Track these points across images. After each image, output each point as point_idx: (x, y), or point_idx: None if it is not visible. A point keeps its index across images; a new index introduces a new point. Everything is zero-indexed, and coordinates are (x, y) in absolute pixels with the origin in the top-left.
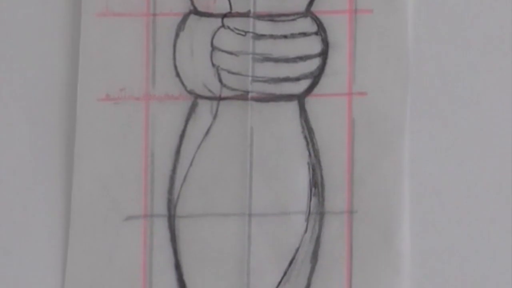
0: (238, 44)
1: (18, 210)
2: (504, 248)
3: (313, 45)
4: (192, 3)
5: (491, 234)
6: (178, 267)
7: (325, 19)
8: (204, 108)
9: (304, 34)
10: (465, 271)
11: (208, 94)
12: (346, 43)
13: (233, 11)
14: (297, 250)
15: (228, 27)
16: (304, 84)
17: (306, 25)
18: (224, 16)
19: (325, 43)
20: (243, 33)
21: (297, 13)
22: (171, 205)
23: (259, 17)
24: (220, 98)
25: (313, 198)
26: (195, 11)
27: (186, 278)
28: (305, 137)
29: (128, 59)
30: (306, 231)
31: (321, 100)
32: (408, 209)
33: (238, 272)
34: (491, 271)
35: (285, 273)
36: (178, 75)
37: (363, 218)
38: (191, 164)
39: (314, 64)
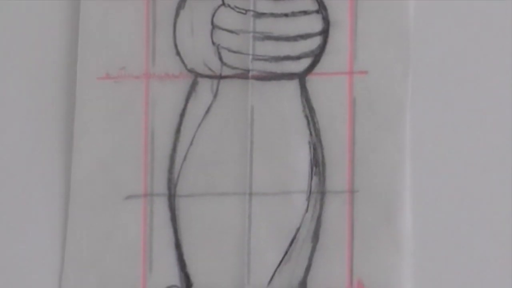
0: (238, 23)
1: (18, 190)
2: (506, 228)
3: (314, 24)
4: None
5: (493, 213)
6: (178, 246)
7: None
8: (205, 87)
9: (305, 13)
10: (467, 250)
11: (209, 72)
12: (347, 21)
13: None
14: (298, 229)
15: (229, 5)
16: (305, 63)
17: (307, 3)
18: None
19: (326, 21)
20: (243, 11)
21: None
22: (171, 184)
23: None
24: (220, 77)
25: (314, 177)
26: None
27: (186, 257)
28: (306, 116)
29: (128, 38)
30: (307, 210)
31: (322, 78)
32: (409, 188)
33: (239, 251)
34: (493, 250)
35: (286, 253)
36: (178, 53)
37: (365, 197)
38: (191, 143)
39: (315, 42)
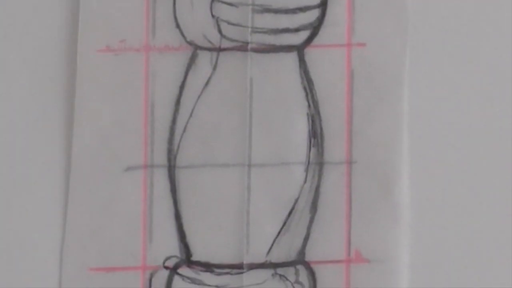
0: None
1: (18, 162)
2: (504, 198)
3: None
4: None
5: (492, 185)
6: (178, 217)
7: None
8: (204, 59)
9: None
10: (465, 220)
11: (208, 45)
12: None
13: None
14: (296, 200)
15: None
16: (303, 35)
17: None
18: None
19: None
20: None
21: None
22: (171, 155)
23: None
24: (220, 49)
25: (312, 149)
26: None
27: (186, 228)
28: (305, 88)
29: (128, 10)
30: (305, 181)
31: (320, 51)
32: (407, 159)
33: (238, 222)
34: (491, 220)
35: (284, 223)
36: (178, 26)
37: (362, 169)
38: (191, 115)
39: (313, 15)
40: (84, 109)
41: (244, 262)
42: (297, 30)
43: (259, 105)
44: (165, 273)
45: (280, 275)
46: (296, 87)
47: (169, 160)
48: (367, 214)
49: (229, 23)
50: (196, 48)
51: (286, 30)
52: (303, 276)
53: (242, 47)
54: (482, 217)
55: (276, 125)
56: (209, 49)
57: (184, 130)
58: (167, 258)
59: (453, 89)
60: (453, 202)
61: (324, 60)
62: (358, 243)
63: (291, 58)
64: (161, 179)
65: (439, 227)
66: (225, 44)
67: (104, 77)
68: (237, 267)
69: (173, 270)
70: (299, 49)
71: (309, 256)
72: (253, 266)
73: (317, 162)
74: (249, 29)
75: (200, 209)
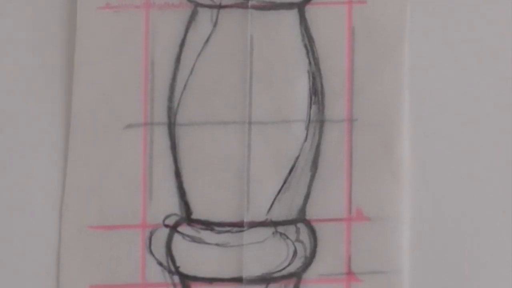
0: None
1: (18, 119)
2: (504, 156)
3: None
4: None
5: (494, 143)
6: (178, 174)
7: None
8: (204, 16)
9: None
10: (465, 177)
11: (208, 2)
12: None
13: None
14: (297, 158)
15: None
16: None
17: None
18: None
19: None
20: None
21: None
22: (171, 113)
23: None
24: (220, 6)
25: (313, 106)
26: None
27: (186, 185)
28: (305, 46)
29: None
30: (306, 139)
31: (321, 8)
32: (407, 117)
33: (238, 180)
34: (493, 178)
35: (285, 181)
36: None
37: (363, 126)
38: (191, 72)
39: None
40: (84, 66)
41: (245, 220)
42: None
43: (260, 62)
44: (165, 231)
45: (281, 233)
46: (296, 44)
47: (169, 117)
48: (368, 172)
49: None
50: (197, 5)
51: None
52: (304, 235)
53: (243, 5)
54: (484, 177)
55: (277, 82)
56: (209, 7)
57: (184, 88)
58: (167, 216)
59: (454, 46)
60: (454, 160)
61: (325, 18)
62: (359, 201)
63: (292, 16)
64: (161, 136)
65: (440, 184)
66: (226, 1)
67: (104, 34)
68: (238, 225)
69: (173, 228)
70: (300, 7)
71: (310, 214)
72: (253, 225)
73: (317, 120)
74: None
75: (200, 167)
